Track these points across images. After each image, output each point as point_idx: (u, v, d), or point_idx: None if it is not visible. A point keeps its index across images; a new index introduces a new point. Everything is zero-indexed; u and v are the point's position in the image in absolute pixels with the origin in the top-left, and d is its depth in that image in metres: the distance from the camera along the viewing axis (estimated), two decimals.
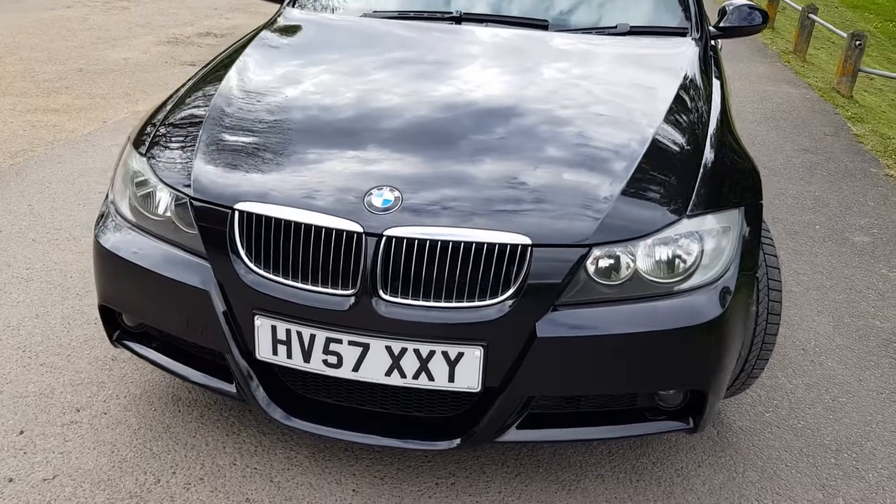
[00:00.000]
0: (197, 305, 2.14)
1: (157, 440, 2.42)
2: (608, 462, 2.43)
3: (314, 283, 2.04)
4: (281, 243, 2.05)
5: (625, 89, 2.65)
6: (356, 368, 2.05)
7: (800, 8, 10.28)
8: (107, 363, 2.76)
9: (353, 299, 2.00)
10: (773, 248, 2.47)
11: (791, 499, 2.34)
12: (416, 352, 2.00)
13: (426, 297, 1.99)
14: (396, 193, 2.05)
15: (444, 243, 1.97)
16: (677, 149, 2.36)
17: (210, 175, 2.19)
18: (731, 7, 3.32)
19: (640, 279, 2.04)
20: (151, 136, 2.43)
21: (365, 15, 3.17)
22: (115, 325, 2.45)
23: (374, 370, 2.04)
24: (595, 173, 2.18)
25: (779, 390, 2.84)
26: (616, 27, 3.07)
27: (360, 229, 1.99)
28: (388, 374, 2.04)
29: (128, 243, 2.27)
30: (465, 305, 1.98)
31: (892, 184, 5.21)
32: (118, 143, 4.98)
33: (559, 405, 2.19)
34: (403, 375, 2.03)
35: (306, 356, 2.07)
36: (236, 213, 2.09)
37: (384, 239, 1.98)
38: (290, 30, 3.11)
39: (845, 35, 8.29)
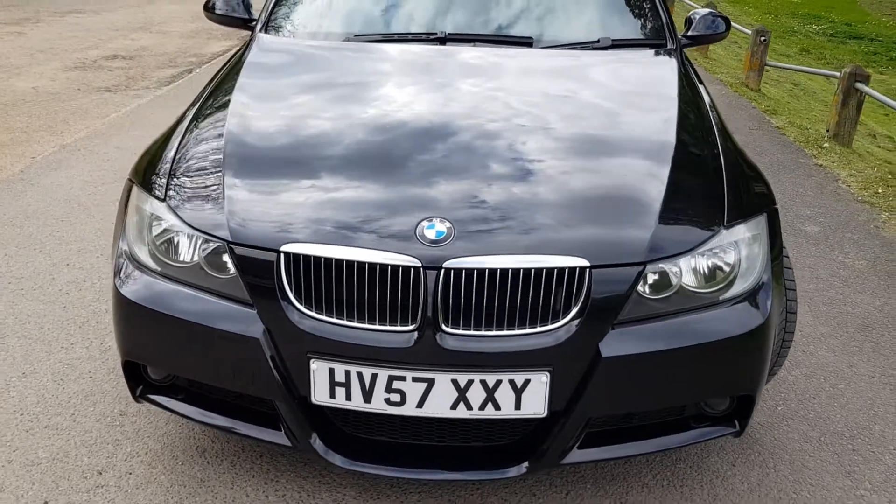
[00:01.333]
0: (243, 353, 2.06)
1: (194, 497, 2.32)
2: (649, 471, 2.47)
3: (371, 321, 2.00)
4: (333, 283, 2.00)
5: (632, 106, 2.71)
6: (420, 405, 2.02)
7: (698, 6, 10.72)
8: (115, 419, 2.62)
9: (416, 335, 1.97)
10: (784, 247, 2.57)
11: (824, 488, 2.44)
12: (483, 382, 1.99)
13: (489, 327, 1.98)
14: (447, 224, 2.03)
15: (504, 271, 1.96)
16: (699, 160, 2.43)
17: (248, 218, 2.11)
18: (697, 17, 3.44)
19: (685, 292, 2.09)
20: (165, 178, 2.32)
21: (348, 39, 3.12)
22: (139, 379, 2.33)
23: (440, 405, 2.01)
24: (632, 191, 2.22)
25: (782, 383, 2.96)
26: (599, 41, 3.13)
27: (417, 263, 1.96)
28: (454, 407, 2.02)
29: (156, 294, 2.16)
30: (531, 332, 1.98)
31: (824, 173, 5.51)
32: (57, 181, 4.73)
33: (614, 422, 2.21)
34: (469, 408, 2.01)
35: (367, 396, 2.02)
36: (282, 256, 2.02)
37: (443, 271, 1.96)
38: (280, 57, 3.03)
39: (748, 31, 8.70)
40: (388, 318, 1.99)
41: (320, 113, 2.57)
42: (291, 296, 2.02)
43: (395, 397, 2.01)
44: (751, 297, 2.16)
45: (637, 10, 3.38)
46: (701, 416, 2.28)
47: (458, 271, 1.96)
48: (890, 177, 5.46)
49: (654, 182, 2.24)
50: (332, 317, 2.01)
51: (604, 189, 2.22)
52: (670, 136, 2.47)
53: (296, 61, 3.00)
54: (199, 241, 2.13)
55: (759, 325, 2.14)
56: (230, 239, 2.08)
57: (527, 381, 1.99)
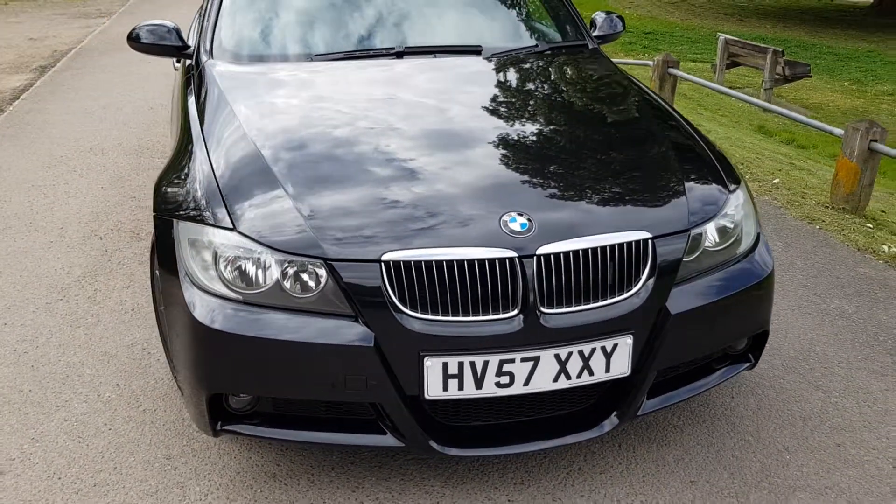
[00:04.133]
0: (355, 363, 2.14)
1: None
2: (673, 415, 2.82)
3: (475, 313, 2.16)
4: (436, 283, 2.14)
5: (604, 100, 3.06)
6: (527, 382, 2.21)
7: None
8: (165, 463, 2.55)
9: (521, 318, 2.16)
10: None
11: (806, 401, 2.91)
12: (580, 353, 2.22)
13: (578, 302, 2.22)
14: (526, 216, 2.24)
15: (585, 251, 2.21)
16: (683, 139, 2.81)
17: (338, 233, 2.18)
18: (600, 19, 3.86)
19: (707, 252, 2.45)
20: (220, 207, 2.31)
21: (311, 59, 3.19)
22: (219, 412, 2.31)
23: (544, 379, 2.22)
24: (656, 170, 2.55)
25: None
26: (537, 45, 3.45)
27: (513, 254, 2.15)
28: (556, 379, 2.23)
29: (247, 321, 2.18)
30: (614, 301, 2.25)
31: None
32: None
33: (666, 373, 2.52)
34: (569, 377, 2.24)
35: (479, 383, 2.18)
36: (382, 265, 2.13)
37: (536, 258, 2.17)
38: (256, 79, 3.03)
39: None
40: (490, 307, 2.16)
41: (345, 125, 2.66)
42: (396, 301, 2.13)
43: (505, 379, 2.19)
44: (758, 248, 2.57)
45: (560, 18, 3.73)
46: (722, 357, 2.66)
47: (547, 257, 2.18)
48: None
49: (666, 161, 2.60)
50: (438, 315, 2.14)
51: (634, 172, 2.54)
52: (652, 121, 2.84)
53: (279, 82, 3.02)
54: (286, 263, 2.17)
55: (769, 270, 2.55)
56: (328, 256, 2.14)
57: (615, 346, 2.25)
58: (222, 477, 2.49)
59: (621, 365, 2.28)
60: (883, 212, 5.33)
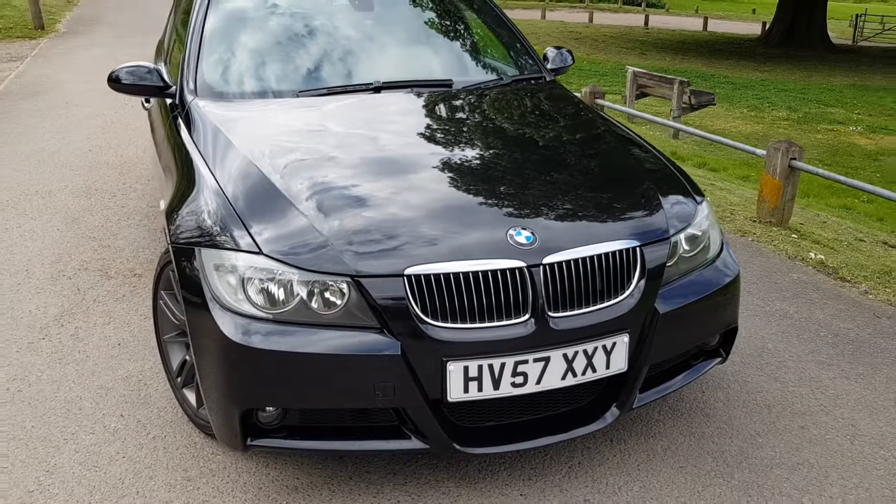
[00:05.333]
0: (384, 371, 2.31)
1: None
2: (655, 411, 3.07)
3: (491, 319, 2.36)
4: (454, 292, 2.34)
5: (572, 126, 3.33)
6: (539, 381, 2.42)
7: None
8: (186, 485, 2.63)
9: (532, 322, 2.38)
10: None
11: (764, 390, 3.22)
12: (585, 352, 2.45)
13: (581, 305, 2.45)
14: (529, 229, 2.47)
15: (584, 259, 2.45)
16: (649, 158, 3.10)
17: (363, 251, 2.36)
18: (552, 53, 4.17)
19: (682, 257, 2.73)
20: (240, 232, 2.45)
21: (296, 95, 3.36)
22: (247, 428, 2.43)
23: (554, 378, 2.44)
24: (635, 185, 2.83)
25: None
26: (501, 79, 3.73)
27: (522, 264, 2.38)
28: (564, 377, 2.45)
29: (279, 338, 2.32)
30: (611, 302, 2.49)
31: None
32: None
33: (654, 369, 2.77)
34: (575, 375, 2.46)
35: (496, 384, 2.38)
36: (405, 279, 2.32)
37: (542, 267, 2.40)
38: (247, 115, 3.17)
39: None
40: (504, 313, 2.37)
41: (345, 151, 2.85)
42: (419, 311, 2.32)
43: (519, 379, 2.40)
44: (724, 253, 2.88)
45: (518, 54, 4.02)
46: (697, 354, 2.93)
47: (552, 265, 2.41)
48: None
49: (642, 177, 2.88)
50: (457, 323, 2.34)
51: (616, 187, 2.81)
52: (621, 143, 3.13)
53: (272, 116, 3.17)
54: (312, 282, 2.33)
55: (737, 272, 2.85)
56: (355, 273, 2.32)
57: (614, 344, 2.49)
58: (245, 493, 2.60)
59: (619, 361, 2.52)
60: (801, 224, 5.80)
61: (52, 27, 17.28)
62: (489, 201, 2.61)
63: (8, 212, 5.38)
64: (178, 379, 2.94)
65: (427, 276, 2.33)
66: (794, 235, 5.26)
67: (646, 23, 34.58)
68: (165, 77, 3.51)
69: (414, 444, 2.43)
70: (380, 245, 2.39)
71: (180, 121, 3.30)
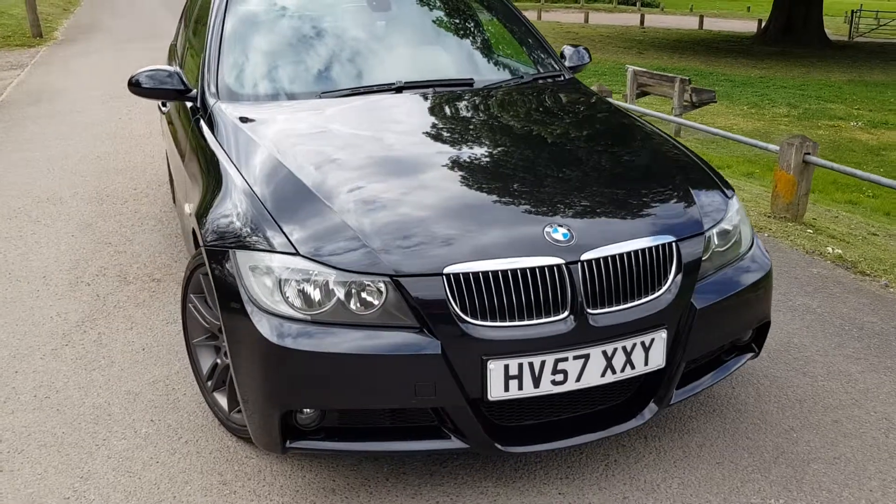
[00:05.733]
0: (424, 370, 2.29)
1: None
2: (687, 407, 3.06)
3: (530, 317, 2.35)
4: (493, 290, 2.32)
5: (599, 120, 3.32)
6: (579, 378, 2.41)
7: None
8: (223, 489, 2.62)
9: (571, 319, 2.37)
10: None
11: (798, 386, 3.21)
12: (624, 348, 2.44)
13: (619, 302, 2.44)
14: (565, 226, 2.45)
15: (622, 255, 2.44)
16: (678, 154, 3.09)
17: (401, 251, 2.34)
18: (570, 51, 4.16)
19: (716, 252, 2.72)
20: (275, 234, 2.43)
21: (321, 96, 3.34)
22: (286, 430, 2.42)
23: (593, 375, 2.42)
24: (667, 181, 2.82)
25: None
26: (522, 77, 3.71)
27: (561, 261, 2.36)
28: (603, 374, 2.44)
29: (320, 338, 2.31)
30: (649, 299, 2.48)
31: None
32: None
33: (689, 366, 2.76)
34: (614, 372, 2.45)
35: (536, 382, 2.37)
36: (444, 278, 2.30)
37: (580, 264, 2.39)
38: (274, 116, 3.15)
39: None
40: (543, 310, 2.36)
41: (374, 150, 2.84)
42: (458, 310, 2.30)
43: (559, 377, 2.38)
44: (754, 248, 2.87)
45: (536, 53, 4.01)
46: (730, 350, 2.92)
47: (590, 262, 2.40)
48: None
49: (672, 171, 2.87)
50: (497, 321, 2.33)
51: (649, 183, 2.80)
52: (649, 139, 3.12)
53: (297, 118, 3.16)
54: (350, 282, 2.32)
55: (769, 266, 2.84)
56: (393, 273, 2.30)
57: (652, 340, 2.48)
58: (283, 496, 2.58)
59: (658, 357, 2.51)
60: (814, 219, 5.80)
61: (51, 35, 17.28)
62: (523, 199, 2.60)
63: (21, 218, 5.36)
64: (209, 383, 2.93)
65: (466, 275, 2.31)
66: (809, 230, 5.26)
67: (641, 22, 34.62)
68: (185, 80, 3.49)
69: (454, 443, 2.42)
70: (417, 244, 2.37)
71: (203, 124, 3.28)
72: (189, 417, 3.01)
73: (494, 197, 2.60)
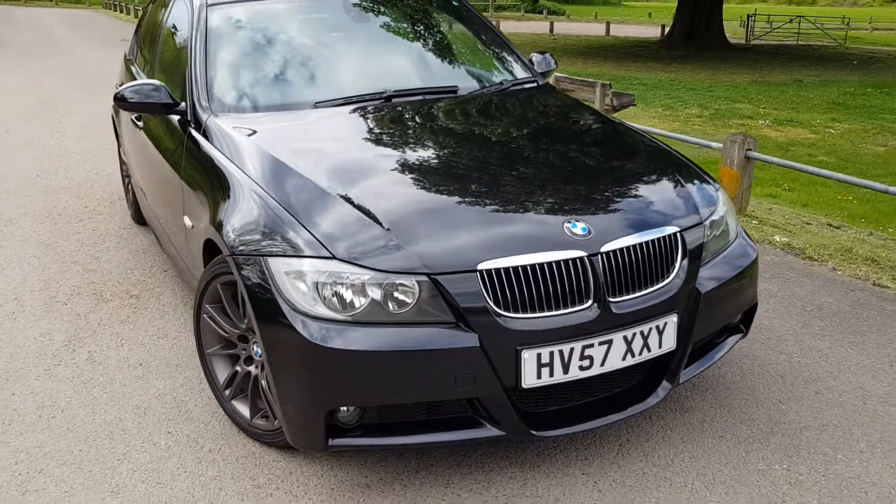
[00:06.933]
0: (464, 363, 2.41)
1: None
2: (682, 389, 3.26)
3: (558, 307, 2.50)
4: (523, 284, 2.46)
5: (590, 122, 3.51)
6: (603, 363, 2.57)
7: None
8: (258, 492, 2.66)
9: (595, 308, 2.53)
10: None
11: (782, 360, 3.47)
12: (641, 333, 2.61)
13: (636, 289, 2.61)
14: (583, 221, 2.62)
15: (636, 246, 2.62)
16: (666, 151, 3.30)
17: (435, 250, 2.46)
18: (538, 58, 4.35)
19: (711, 240, 2.93)
20: (308, 238, 2.51)
21: (316, 106, 3.41)
22: (327, 428, 2.50)
23: (616, 359, 2.59)
24: (660, 177, 3.01)
25: None
26: (502, 84, 3.88)
27: (583, 254, 2.52)
28: (624, 358, 2.60)
29: (362, 337, 2.39)
30: (661, 285, 2.66)
31: None
32: None
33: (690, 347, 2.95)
34: (633, 355, 2.62)
35: (566, 368, 2.52)
36: (478, 274, 2.43)
37: (600, 256, 2.55)
38: (271, 127, 3.21)
39: None
40: (568, 300, 2.51)
41: (389, 154, 2.96)
42: (492, 304, 2.43)
43: (586, 362, 2.54)
44: (742, 237, 3.10)
45: (509, 61, 4.17)
46: (721, 332, 3.14)
47: (608, 253, 2.57)
48: None
49: (666, 167, 3.08)
50: (528, 312, 2.47)
51: (648, 177, 2.99)
52: (637, 138, 3.32)
53: (300, 126, 3.24)
54: (386, 282, 2.42)
55: (756, 253, 3.07)
56: (429, 271, 2.41)
57: (665, 324, 2.66)
58: (320, 494, 2.65)
59: (670, 340, 2.69)
60: (753, 211, 6.16)
61: None
62: (538, 198, 2.75)
63: None
64: (227, 392, 2.96)
65: (498, 270, 2.44)
66: (754, 221, 5.59)
67: (551, 30, 35.44)
68: (171, 94, 3.49)
69: (489, 431, 2.54)
70: (450, 243, 2.49)
71: (198, 137, 3.30)
72: (206, 427, 3.03)
73: (513, 196, 2.74)
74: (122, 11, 40.21)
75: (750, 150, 5.56)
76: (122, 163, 5.75)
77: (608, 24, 36.74)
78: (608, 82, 13.89)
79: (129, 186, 5.46)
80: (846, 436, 2.94)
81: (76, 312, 4.07)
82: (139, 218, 5.38)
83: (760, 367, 3.44)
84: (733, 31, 35.00)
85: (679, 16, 28.26)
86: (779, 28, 36.08)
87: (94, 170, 7.10)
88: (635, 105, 14.85)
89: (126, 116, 4.85)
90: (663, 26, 32.62)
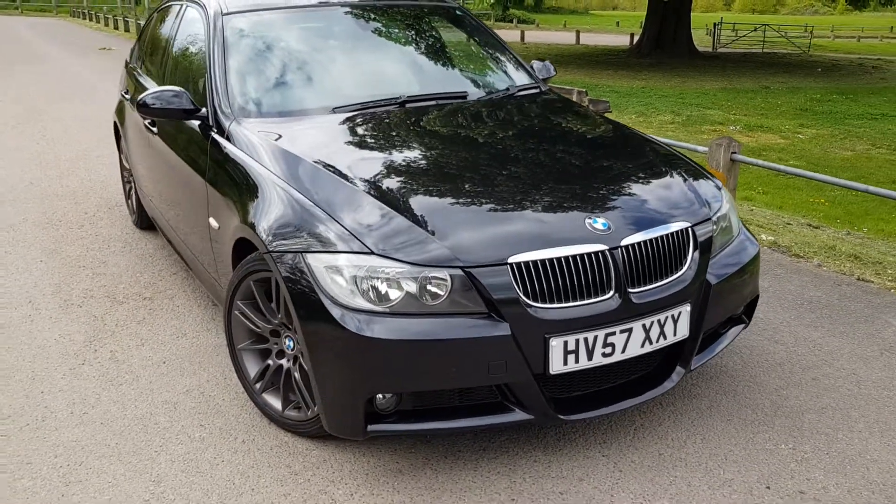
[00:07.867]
0: (497, 351, 2.56)
1: (441, 494, 2.68)
2: (690, 377, 3.44)
3: (582, 297, 2.66)
4: (550, 276, 2.62)
5: (595, 125, 3.68)
6: (624, 350, 2.74)
7: None
8: (295, 477, 2.78)
9: (617, 298, 2.69)
10: None
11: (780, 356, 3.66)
12: (658, 321, 2.78)
13: (653, 280, 2.79)
14: (602, 216, 2.78)
15: (653, 240, 2.80)
16: (664, 148, 3.49)
17: (468, 245, 2.61)
18: (539, 65, 4.53)
19: (718, 235, 3.11)
20: (346, 234, 2.64)
21: (334, 111, 3.55)
22: (367, 415, 2.63)
23: (635, 346, 2.76)
24: (669, 175, 3.20)
25: None
26: (508, 89, 4.05)
27: (605, 247, 2.69)
28: (643, 345, 2.77)
29: (403, 327, 2.53)
30: (675, 277, 2.84)
31: None
32: None
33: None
34: (651, 343, 2.79)
35: (590, 355, 2.68)
36: (509, 266, 2.59)
37: (621, 249, 2.72)
38: (294, 133, 3.32)
39: None
40: (592, 291, 2.68)
41: (417, 155, 3.11)
42: (521, 294, 2.59)
43: (608, 350, 2.70)
44: (745, 232, 3.29)
45: (513, 67, 4.35)
46: (725, 322, 3.32)
47: (628, 247, 2.74)
48: None
49: (672, 165, 3.26)
50: (555, 303, 2.63)
51: (658, 176, 3.17)
52: (642, 140, 3.51)
53: (323, 130, 3.37)
54: (421, 275, 2.56)
55: (758, 247, 3.27)
56: (462, 264, 2.56)
57: (679, 313, 2.83)
58: (355, 479, 2.78)
59: (683, 328, 2.86)
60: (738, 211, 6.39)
61: None
62: (559, 195, 2.91)
63: None
64: (258, 385, 3.08)
65: (527, 263, 2.60)
66: None
67: (522, 38, 35.82)
68: (192, 100, 3.60)
69: (518, 416, 2.69)
70: (480, 237, 2.64)
71: (223, 141, 3.42)
72: (237, 420, 3.15)
73: (532, 195, 2.90)
74: (90, 20, 39.86)
75: (735, 153, 5.79)
76: (122, 169, 5.82)
77: (578, 32, 37.22)
78: (584, 90, 14.20)
79: (132, 192, 5.53)
80: (845, 418, 3.14)
81: (92, 314, 4.16)
82: (142, 223, 5.46)
83: (759, 356, 3.63)
84: (700, 40, 35.62)
85: (648, 24, 28.75)
86: (744, 36, 36.83)
87: (88, 176, 7.15)
88: (611, 112, 15.19)
89: (132, 124, 4.94)
90: (632, 35, 33.17)
